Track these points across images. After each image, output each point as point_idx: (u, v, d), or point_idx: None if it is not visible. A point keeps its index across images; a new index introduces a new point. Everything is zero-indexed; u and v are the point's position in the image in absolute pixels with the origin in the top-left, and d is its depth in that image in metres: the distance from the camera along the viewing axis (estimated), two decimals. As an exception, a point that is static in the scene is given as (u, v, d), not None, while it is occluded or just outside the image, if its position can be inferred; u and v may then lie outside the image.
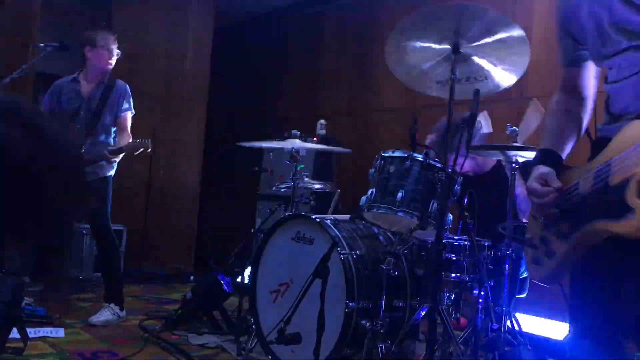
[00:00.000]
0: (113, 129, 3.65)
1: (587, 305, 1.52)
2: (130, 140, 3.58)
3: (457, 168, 2.26)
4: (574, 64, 1.63)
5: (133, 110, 3.76)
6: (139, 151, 3.50)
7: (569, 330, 1.57)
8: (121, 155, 3.52)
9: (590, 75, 1.64)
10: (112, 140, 3.65)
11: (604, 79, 1.56)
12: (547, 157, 1.59)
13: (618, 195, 1.28)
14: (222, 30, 6.31)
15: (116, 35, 3.70)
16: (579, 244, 1.43)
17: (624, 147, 1.32)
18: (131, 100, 3.74)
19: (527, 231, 1.66)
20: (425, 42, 2.48)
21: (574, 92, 1.65)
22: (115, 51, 3.64)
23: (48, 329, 3.15)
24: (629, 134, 1.34)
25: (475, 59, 2.45)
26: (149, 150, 3.53)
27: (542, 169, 1.54)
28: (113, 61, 3.65)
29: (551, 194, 1.48)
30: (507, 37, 2.33)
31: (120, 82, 3.72)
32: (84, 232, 4.59)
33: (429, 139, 3.18)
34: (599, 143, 1.51)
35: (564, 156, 1.60)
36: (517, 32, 2.30)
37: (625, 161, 1.28)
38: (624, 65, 1.42)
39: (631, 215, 1.23)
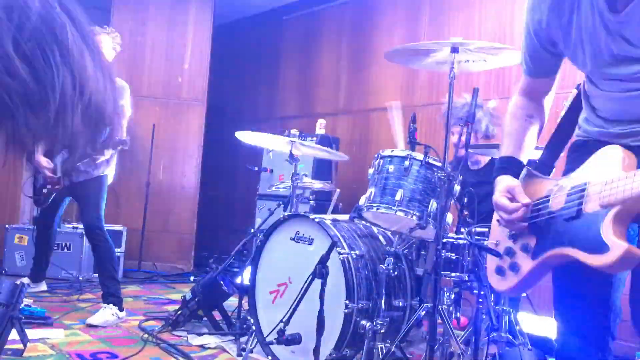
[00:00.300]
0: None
1: (571, 302, 1.51)
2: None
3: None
4: (545, 75, 1.59)
5: (131, 109, 3.70)
6: (119, 148, 3.44)
7: (556, 328, 1.56)
8: (107, 153, 3.44)
9: (554, 86, 1.62)
10: None
11: (586, 78, 1.50)
12: (511, 166, 1.55)
13: (592, 226, 1.27)
14: (220, 30, 6.30)
15: (104, 31, 3.67)
16: (546, 264, 1.42)
17: (600, 172, 1.31)
18: (129, 99, 3.69)
19: (490, 236, 1.63)
20: (424, 53, 2.49)
21: (536, 99, 1.63)
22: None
23: (47, 330, 3.14)
24: (605, 159, 1.32)
25: (474, 52, 2.46)
26: (127, 147, 3.46)
27: (508, 181, 1.51)
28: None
29: (520, 211, 1.46)
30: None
31: (118, 80, 3.70)
32: (82, 232, 4.58)
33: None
34: (584, 145, 1.48)
35: (525, 162, 1.58)
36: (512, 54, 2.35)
37: (603, 191, 1.27)
38: (619, 83, 1.37)
39: (605, 252, 1.23)
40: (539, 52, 1.53)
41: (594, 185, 1.30)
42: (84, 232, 4.39)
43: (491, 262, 1.59)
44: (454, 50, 2.42)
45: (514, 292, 1.61)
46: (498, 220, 1.58)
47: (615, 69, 1.35)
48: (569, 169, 1.46)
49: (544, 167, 1.63)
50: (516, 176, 1.52)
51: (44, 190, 3.68)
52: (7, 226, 4.75)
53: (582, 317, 1.49)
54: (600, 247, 1.24)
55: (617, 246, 1.21)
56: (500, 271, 1.54)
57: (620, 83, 1.37)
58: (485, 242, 1.63)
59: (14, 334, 2.61)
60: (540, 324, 3.47)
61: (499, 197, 1.50)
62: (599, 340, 1.47)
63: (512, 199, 1.47)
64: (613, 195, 1.24)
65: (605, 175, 1.29)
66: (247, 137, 3.38)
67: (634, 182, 1.20)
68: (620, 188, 1.23)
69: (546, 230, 1.42)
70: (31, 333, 2.92)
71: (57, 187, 3.61)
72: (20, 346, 2.66)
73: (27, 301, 3.39)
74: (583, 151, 1.44)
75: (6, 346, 2.59)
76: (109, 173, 3.71)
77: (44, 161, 3.63)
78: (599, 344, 1.47)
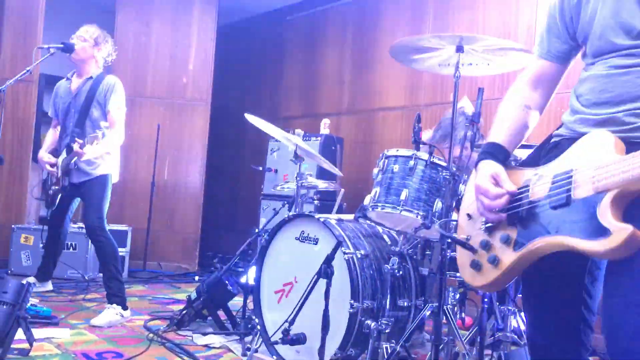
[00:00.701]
0: (104, 125, 3.58)
1: (537, 294, 1.48)
2: (122, 137, 3.60)
3: (465, 161, 2.27)
4: (558, 60, 1.53)
5: (124, 106, 3.67)
6: (95, 142, 3.35)
7: (526, 321, 1.54)
8: (93, 150, 3.39)
9: (564, 76, 1.56)
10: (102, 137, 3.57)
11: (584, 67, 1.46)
12: (497, 153, 1.49)
13: (585, 212, 1.22)
14: (224, 30, 6.31)
15: (86, 29, 3.69)
16: (532, 254, 1.35)
17: (589, 157, 1.26)
18: (121, 95, 3.65)
19: (458, 230, 1.57)
20: (429, 50, 2.48)
21: (542, 88, 1.56)
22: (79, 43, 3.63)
23: (53, 330, 3.15)
24: (595, 144, 1.28)
25: (479, 53, 2.46)
26: (99, 139, 3.35)
27: (493, 166, 1.46)
28: (78, 54, 3.62)
29: (503, 198, 1.40)
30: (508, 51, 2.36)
31: (110, 77, 3.69)
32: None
33: (432, 136, 3.16)
34: (556, 146, 1.43)
35: (511, 153, 1.52)
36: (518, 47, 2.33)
37: (597, 175, 1.22)
38: (617, 63, 1.34)
39: (605, 237, 1.18)
40: (557, 25, 1.49)
41: (584, 171, 1.25)
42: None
43: (464, 256, 1.52)
44: (459, 49, 2.41)
45: (493, 288, 1.53)
46: (468, 214, 1.53)
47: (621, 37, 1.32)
48: (544, 162, 1.41)
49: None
50: (501, 164, 1.47)
51: (50, 192, 3.70)
52: (13, 226, 4.77)
53: (550, 310, 1.45)
54: (598, 231, 1.19)
55: (619, 229, 1.16)
56: (476, 265, 1.47)
57: (616, 58, 1.33)
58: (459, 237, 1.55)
59: (20, 334, 2.63)
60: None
61: (483, 180, 1.44)
62: (570, 346, 1.43)
63: (496, 185, 1.42)
64: (610, 179, 1.19)
65: (597, 159, 1.24)
66: (255, 120, 3.39)
67: (633, 163, 1.16)
68: (618, 170, 1.18)
69: (528, 220, 1.36)
70: (37, 332, 2.94)
71: (57, 187, 3.63)
72: (27, 345, 2.68)
73: (33, 301, 3.40)
74: (555, 151, 1.40)
75: (12, 345, 2.61)
76: (113, 172, 3.71)
77: (45, 157, 3.67)
78: (568, 350, 1.43)
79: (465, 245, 1.51)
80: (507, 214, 1.41)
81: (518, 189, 1.41)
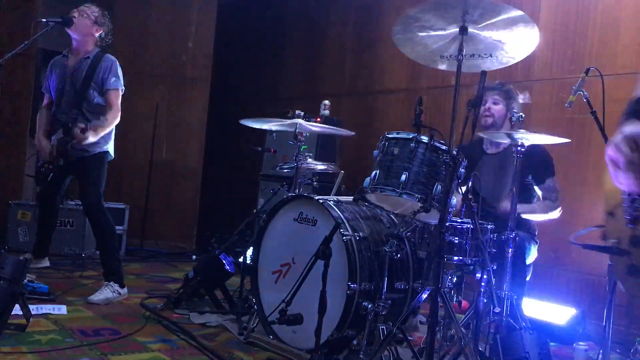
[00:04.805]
0: (102, 105, 3.55)
1: None
2: (118, 117, 3.57)
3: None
4: None
5: (123, 87, 3.62)
6: (100, 128, 3.41)
7: None
8: (94, 136, 3.42)
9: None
10: (99, 116, 3.53)
11: None
12: None
13: None
14: (225, 9, 6.24)
15: (88, 6, 3.63)
16: None
17: None
18: (119, 74, 3.60)
19: (607, 234, 1.36)
20: (432, 28, 2.43)
21: None
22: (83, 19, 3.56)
23: (50, 306, 3.16)
24: None
25: (482, 36, 2.42)
26: (104, 126, 3.45)
27: (637, 127, 1.21)
28: (77, 29, 3.55)
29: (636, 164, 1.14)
30: (513, 18, 2.30)
31: (108, 56, 3.62)
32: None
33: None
34: None
35: None
36: (521, 15, 2.28)
37: None
38: None
39: None
40: None
41: None
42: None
43: (621, 263, 1.29)
44: (463, 30, 2.38)
45: None
46: (611, 213, 1.33)
47: None
48: None
49: None
50: None
51: (42, 169, 3.65)
52: (10, 202, 4.76)
53: None
54: None
55: None
56: (634, 271, 1.24)
57: None
58: (606, 243, 1.36)
59: (17, 309, 2.63)
60: (542, 309, 3.49)
61: (620, 142, 1.21)
62: None
63: (635, 149, 1.20)
64: None
65: None
66: (252, 123, 3.38)
67: None
68: None
69: None
70: (34, 308, 2.94)
71: (51, 166, 3.58)
72: (24, 321, 2.68)
73: (30, 277, 3.41)
74: None
75: (9, 321, 2.61)
76: (110, 149, 3.68)
77: (44, 142, 3.59)
78: None
79: (614, 251, 1.30)
80: None
81: None
